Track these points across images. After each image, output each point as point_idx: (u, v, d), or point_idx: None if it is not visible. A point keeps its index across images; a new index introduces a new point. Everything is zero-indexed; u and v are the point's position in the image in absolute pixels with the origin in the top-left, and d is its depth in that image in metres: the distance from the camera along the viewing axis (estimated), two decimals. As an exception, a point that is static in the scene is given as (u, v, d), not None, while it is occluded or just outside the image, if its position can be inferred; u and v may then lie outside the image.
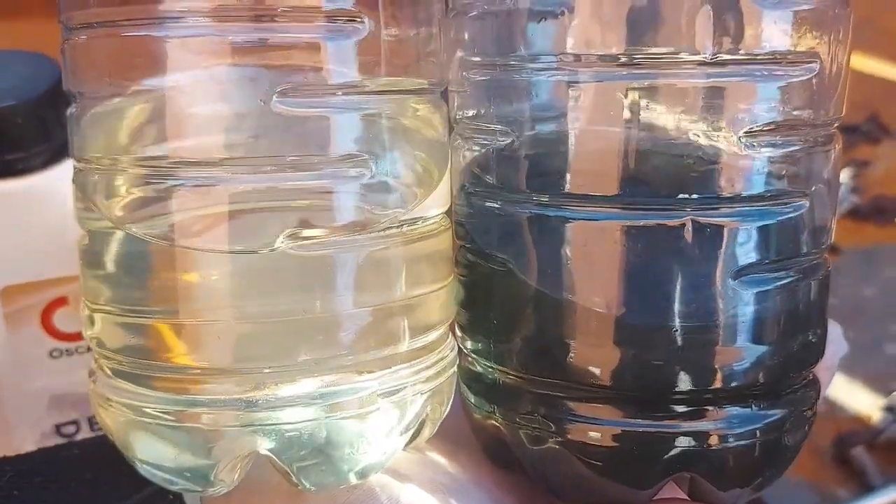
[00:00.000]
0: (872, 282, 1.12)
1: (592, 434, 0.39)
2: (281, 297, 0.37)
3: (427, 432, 0.42)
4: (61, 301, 0.60)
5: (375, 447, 0.39)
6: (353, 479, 0.39)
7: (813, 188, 0.39)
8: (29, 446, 0.58)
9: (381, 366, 0.39)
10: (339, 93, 0.37)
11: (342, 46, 0.36)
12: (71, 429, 0.63)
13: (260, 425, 0.37)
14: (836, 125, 0.40)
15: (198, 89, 0.36)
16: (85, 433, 0.63)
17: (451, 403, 0.43)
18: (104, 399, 0.39)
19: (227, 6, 0.35)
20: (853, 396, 0.96)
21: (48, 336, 0.61)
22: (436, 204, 0.41)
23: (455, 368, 0.43)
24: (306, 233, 0.36)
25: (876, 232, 1.20)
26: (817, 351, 0.41)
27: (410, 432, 0.40)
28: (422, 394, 0.40)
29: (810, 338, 0.40)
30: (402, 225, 0.39)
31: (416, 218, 0.39)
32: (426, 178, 0.39)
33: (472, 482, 0.43)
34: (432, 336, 0.41)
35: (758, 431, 0.39)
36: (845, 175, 1.24)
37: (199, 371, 0.37)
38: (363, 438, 0.39)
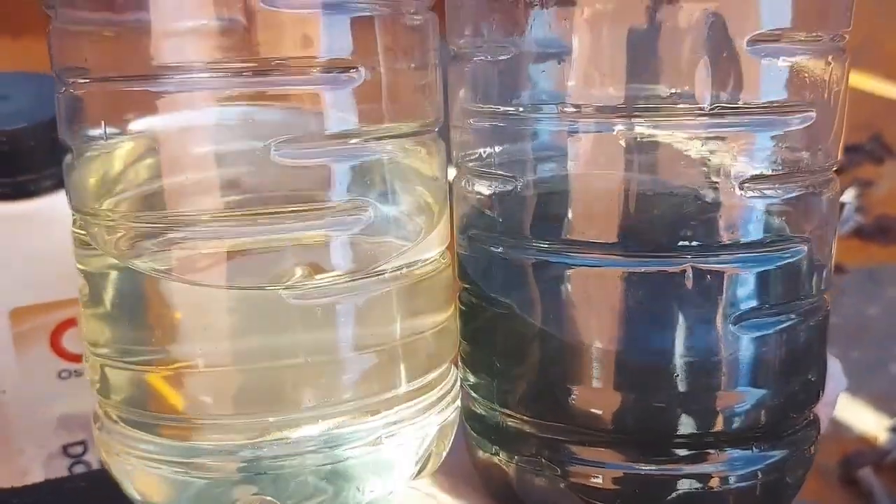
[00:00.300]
0: (876, 301, 1.12)
1: (595, 477, 0.39)
2: (283, 342, 0.37)
3: (432, 465, 0.42)
4: (70, 322, 0.60)
5: (381, 486, 0.39)
6: None
7: (812, 233, 0.39)
8: (36, 467, 0.58)
9: (385, 407, 0.39)
10: (338, 141, 0.37)
11: (339, 95, 0.36)
12: (78, 449, 0.63)
13: (265, 473, 0.37)
14: (833, 169, 0.40)
15: (194, 143, 0.36)
16: (93, 453, 0.63)
17: (454, 434, 0.43)
18: (109, 445, 0.39)
19: (222, 60, 0.35)
20: (858, 417, 0.96)
21: (57, 357, 0.60)
22: (436, 242, 0.41)
23: (458, 402, 0.43)
24: (309, 280, 0.36)
25: (880, 251, 1.20)
26: (817, 390, 0.41)
27: (416, 468, 0.40)
28: (426, 431, 0.40)
29: (810, 377, 0.40)
30: (403, 267, 0.39)
31: (416, 259, 0.39)
32: (427, 217, 0.40)
33: None
34: (435, 373, 0.41)
35: (759, 472, 0.39)
36: (849, 195, 1.23)
37: (202, 419, 0.37)
38: (368, 479, 0.39)
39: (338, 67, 0.36)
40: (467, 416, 0.44)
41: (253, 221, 0.36)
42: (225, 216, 0.36)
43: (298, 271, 0.36)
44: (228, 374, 0.37)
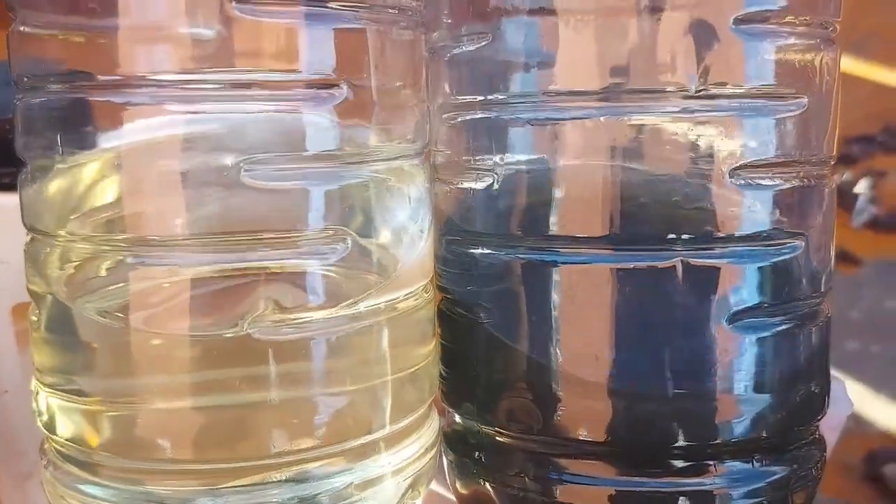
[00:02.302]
0: (895, 294, 1.09)
1: (585, 495, 0.37)
2: (248, 381, 0.34)
3: None
4: (73, 319, 0.57)
5: None
6: None
7: (807, 229, 0.37)
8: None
9: (358, 454, 0.36)
10: (316, 162, 0.34)
11: (320, 112, 0.34)
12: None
13: None
14: (828, 164, 0.37)
15: (160, 159, 0.33)
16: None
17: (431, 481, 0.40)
18: (54, 486, 0.36)
19: (195, 71, 0.32)
20: (882, 413, 0.93)
21: (62, 356, 0.58)
22: (418, 275, 0.38)
23: (437, 448, 0.40)
24: (277, 315, 0.33)
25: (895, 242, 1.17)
26: (821, 403, 0.38)
27: None
28: (403, 480, 0.37)
29: (813, 388, 0.38)
30: (381, 303, 0.36)
31: (395, 295, 0.36)
32: (409, 248, 0.37)
33: None
34: (414, 416, 0.38)
35: (763, 490, 0.36)
36: (863, 186, 1.21)
37: (155, 463, 0.34)
38: None
39: (319, 83, 0.33)
40: (448, 439, 0.41)
41: (218, 248, 0.33)
42: (188, 242, 0.33)
43: (264, 305, 0.33)
44: (185, 414, 0.34)
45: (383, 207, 0.36)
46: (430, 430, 0.39)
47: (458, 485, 0.41)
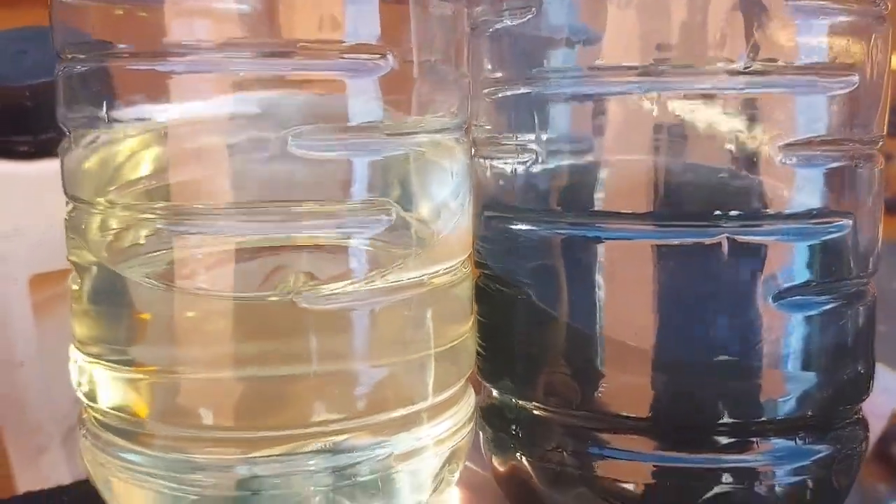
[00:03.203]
0: (903, 275, 1.09)
1: (625, 471, 0.36)
2: (291, 350, 0.33)
3: (444, 487, 0.38)
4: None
5: None
6: None
7: (855, 209, 0.36)
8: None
9: (398, 426, 0.35)
10: (360, 134, 0.33)
11: (364, 83, 0.33)
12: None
13: (262, 491, 0.33)
14: (878, 143, 0.37)
15: (203, 128, 0.32)
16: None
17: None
18: (92, 454, 0.35)
19: (239, 39, 0.31)
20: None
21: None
22: (457, 250, 0.37)
23: (473, 423, 0.39)
24: (318, 284, 0.33)
25: (904, 225, 1.17)
26: (866, 384, 0.38)
27: (427, 492, 0.37)
28: (441, 454, 0.36)
29: (858, 368, 0.37)
30: (422, 275, 0.35)
31: (435, 269, 0.36)
32: (447, 221, 0.36)
33: None
34: (451, 392, 0.37)
35: (807, 469, 0.36)
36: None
37: (197, 430, 0.33)
38: (376, 502, 0.35)
39: (364, 53, 0.32)
40: (484, 415, 0.41)
41: (263, 218, 0.32)
42: (233, 211, 0.32)
43: (306, 275, 0.32)
44: (227, 383, 0.33)
45: (423, 181, 0.35)
46: (467, 405, 0.39)
47: (494, 460, 0.40)
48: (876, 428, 0.39)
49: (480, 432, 0.41)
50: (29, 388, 0.55)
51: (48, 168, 0.52)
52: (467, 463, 0.39)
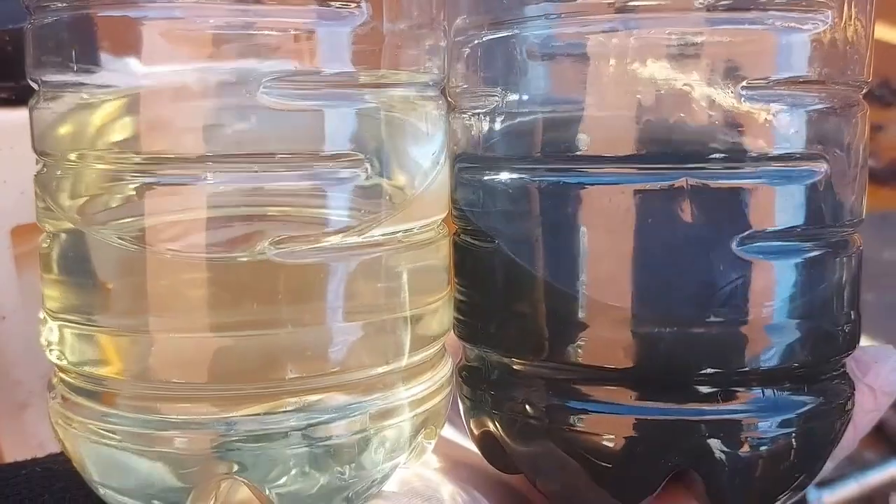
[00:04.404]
0: (892, 245, 1.08)
1: (603, 425, 0.35)
2: (264, 308, 0.32)
3: (421, 451, 0.37)
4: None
5: (366, 473, 0.34)
6: None
7: (840, 152, 0.35)
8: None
9: (373, 386, 0.34)
10: (333, 85, 0.32)
11: (337, 34, 0.32)
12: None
13: (239, 450, 0.32)
14: (859, 90, 0.36)
15: (175, 78, 0.31)
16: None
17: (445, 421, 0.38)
18: (63, 417, 0.34)
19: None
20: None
21: (60, 278, 0.55)
22: (433, 208, 0.36)
23: (451, 387, 0.38)
24: (294, 239, 0.32)
25: (893, 195, 1.16)
26: (852, 336, 0.36)
27: (403, 455, 0.36)
28: (417, 416, 0.35)
29: (844, 320, 0.36)
30: (398, 231, 0.34)
31: (410, 226, 0.35)
32: (422, 178, 0.35)
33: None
34: (428, 352, 0.36)
35: (792, 421, 0.34)
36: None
37: (170, 389, 0.32)
38: (353, 464, 0.34)
39: (338, 0, 0.32)
40: (462, 377, 0.39)
41: (236, 168, 0.31)
42: (205, 162, 0.31)
43: (279, 229, 0.32)
44: (200, 339, 0.32)
45: (399, 136, 0.34)
46: (444, 368, 0.38)
47: (472, 423, 0.39)
48: (883, 403, 0.38)
49: (460, 401, 0.40)
50: (11, 342, 0.53)
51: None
52: (449, 434, 0.39)
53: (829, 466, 0.37)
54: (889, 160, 1.18)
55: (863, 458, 0.84)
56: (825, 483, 0.85)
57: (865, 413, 0.38)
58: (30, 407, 0.53)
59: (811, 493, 0.84)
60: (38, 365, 0.54)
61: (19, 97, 0.50)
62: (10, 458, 0.53)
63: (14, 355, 0.53)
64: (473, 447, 0.40)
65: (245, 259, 0.31)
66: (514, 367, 0.37)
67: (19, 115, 0.50)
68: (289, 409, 0.33)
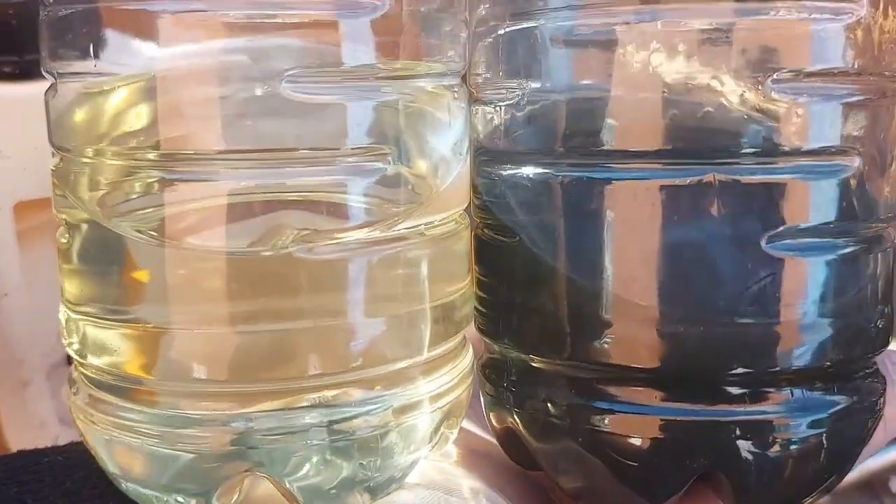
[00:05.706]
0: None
1: (632, 423, 0.34)
2: (287, 303, 0.32)
3: (442, 444, 0.37)
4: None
5: (388, 466, 0.34)
6: (365, 500, 0.34)
7: (876, 147, 0.33)
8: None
9: (395, 380, 0.34)
10: (355, 77, 0.31)
11: (359, 25, 0.31)
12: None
13: (259, 447, 0.32)
14: (894, 81, 0.34)
15: (194, 72, 0.30)
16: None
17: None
18: (85, 413, 0.34)
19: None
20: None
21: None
22: (453, 201, 0.35)
23: (471, 379, 0.37)
24: (314, 234, 0.31)
25: None
26: (885, 333, 0.35)
27: (425, 448, 0.35)
28: (439, 409, 0.35)
29: (877, 317, 0.35)
30: (419, 225, 0.34)
31: (431, 219, 0.34)
32: (444, 171, 0.34)
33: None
34: (449, 345, 0.36)
35: (824, 421, 0.33)
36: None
37: (191, 385, 0.32)
38: (375, 458, 0.33)
39: None
40: (484, 372, 0.39)
41: (256, 164, 0.31)
42: (226, 158, 0.31)
43: (301, 224, 0.31)
44: (222, 337, 0.32)
45: (420, 128, 0.33)
46: (465, 360, 0.37)
47: (493, 418, 0.38)
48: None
49: (481, 393, 0.39)
50: (13, 319, 0.53)
51: (35, 90, 0.49)
52: (468, 426, 0.38)
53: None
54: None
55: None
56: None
57: None
58: (31, 385, 0.53)
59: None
60: (40, 343, 0.53)
61: (24, 71, 0.49)
62: (11, 436, 0.52)
63: (16, 333, 0.52)
64: (493, 438, 0.39)
65: (267, 256, 0.31)
66: (536, 364, 0.36)
67: (23, 89, 0.49)
68: (309, 404, 0.32)
